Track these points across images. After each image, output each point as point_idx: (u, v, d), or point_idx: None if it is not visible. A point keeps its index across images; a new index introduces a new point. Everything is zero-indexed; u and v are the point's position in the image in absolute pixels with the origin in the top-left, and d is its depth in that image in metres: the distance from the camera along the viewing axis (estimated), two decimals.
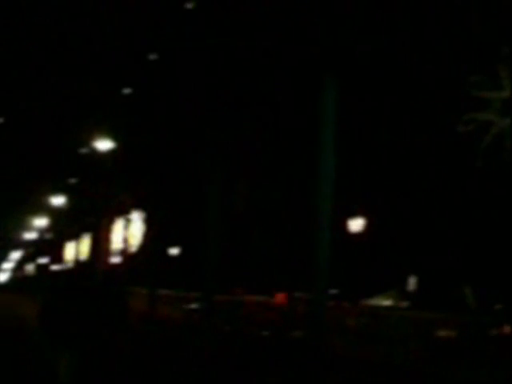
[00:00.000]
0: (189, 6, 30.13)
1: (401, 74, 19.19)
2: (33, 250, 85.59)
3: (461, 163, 21.90)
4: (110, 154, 31.95)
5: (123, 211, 40.92)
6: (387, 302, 31.33)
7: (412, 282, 31.06)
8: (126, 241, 41.83)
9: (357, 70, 16.96)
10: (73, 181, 50.65)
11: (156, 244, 34.95)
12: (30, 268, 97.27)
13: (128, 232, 42.80)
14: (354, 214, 26.30)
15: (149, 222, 42.90)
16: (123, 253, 41.86)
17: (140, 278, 37.31)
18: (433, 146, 22.74)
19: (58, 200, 46.56)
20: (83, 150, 45.04)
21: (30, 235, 74.13)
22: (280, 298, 27.74)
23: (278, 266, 34.15)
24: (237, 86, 23.66)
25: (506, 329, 16.44)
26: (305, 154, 22.03)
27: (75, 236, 54.85)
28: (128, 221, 40.91)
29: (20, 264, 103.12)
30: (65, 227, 58.93)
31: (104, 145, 26.55)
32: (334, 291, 37.32)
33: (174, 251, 40.58)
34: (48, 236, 72.01)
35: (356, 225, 25.42)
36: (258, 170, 29.44)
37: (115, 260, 43.18)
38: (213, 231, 25.58)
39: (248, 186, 30.23)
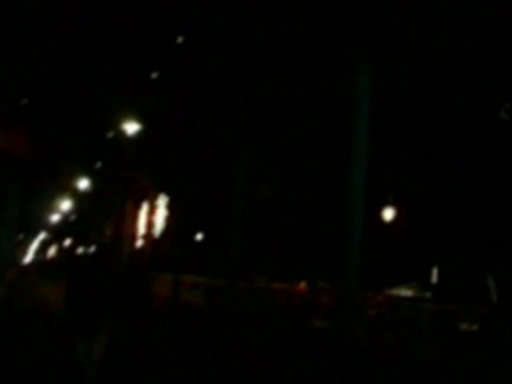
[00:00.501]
0: None
1: (439, 58, 18.55)
2: (56, 233, 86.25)
3: (502, 152, 21.35)
4: (136, 137, 31.80)
5: (147, 196, 40.88)
6: (410, 293, 31.12)
7: (435, 274, 30.87)
8: (150, 225, 41.84)
9: (393, 54, 16.43)
10: (98, 165, 50.72)
11: (180, 229, 34.82)
12: (52, 251, 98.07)
13: (152, 217, 42.81)
14: (385, 204, 25.90)
15: (172, 208, 42.89)
16: (147, 237, 41.85)
17: (165, 264, 37.28)
18: (473, 133, 22.17)
19: (83, 183, 46.60)
20: (109, 134, 45.07)
21: (54, 218, 74.58)
22: (301, 286, 27.71)
23: (301, 255, 33.94)
24: (267, 71, 23.27)
25: None
26: (336, 142, 21.70)
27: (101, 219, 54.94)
28: (152, 206, 40.86)
29: (44, 246, 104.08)
30: (89, 210, 59.14)
31: (131, 127, 26.30)
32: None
33: (198, 237, 40.44)
34: (72, 219, 72.41)
35: (389, 214, 25.00)
36: (287, 157, 29.10)
37: (140, 244, 43.22)
38: (238, 218, 25.36)
39: (276, 173, 29.91)
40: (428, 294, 31.07)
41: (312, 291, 26.25)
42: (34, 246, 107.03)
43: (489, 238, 27.49)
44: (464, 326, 17.24)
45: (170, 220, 39.75)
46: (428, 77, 20.58)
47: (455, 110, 22.17)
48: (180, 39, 38.15)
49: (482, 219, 27.35)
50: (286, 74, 22.75)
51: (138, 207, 42.52)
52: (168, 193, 39.73)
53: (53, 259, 79.51)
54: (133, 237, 42.62)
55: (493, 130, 20.72)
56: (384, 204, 26.21)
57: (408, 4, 15.89)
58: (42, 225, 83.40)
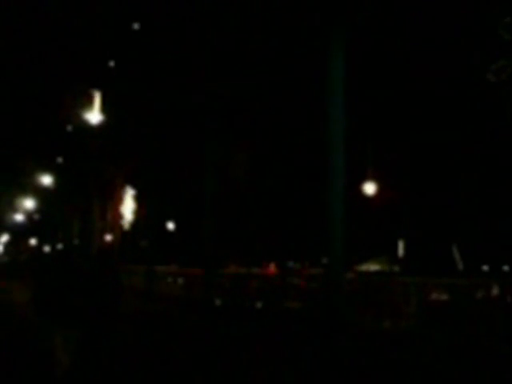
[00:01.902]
0: None
1: (420, 17, 18.01)
2: (21, 233, 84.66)
3: (490, 118, 21.05)
4: (98, 127, 30.91)
5: (114, 187, 40.01)
6: (378, 267, 31.25)
7: (401, 247, 31.12)
8: (118, 218, 41.02)
9: (366, 20, 15.88)
10: (60, 160, 49.54)
11: (150, 220, 34.10)
12: (17, 252, 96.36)
13: (120, 209, 42.03)
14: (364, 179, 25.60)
15: (140, 198, 42.11)
16: (116, 230, 41.05)
17: (137, 255, 36.62)
18: (456, 101, 21.81)
19: (46, 179, 45.44)
20: (69, 128, 43.95)
21: (18, 217, 73.03)
22: (271, 268, 27.58)
23: (271, 237, 33.68)
24: (235, 50, 22.62)
25: (495, 291, 16.14)
26: (312, 121, 21.20)
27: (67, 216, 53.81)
28: (120, 197, 40.01)
29: (8, 248, 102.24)
30: (54, 207, 57.89)
31: (94, 118, 25.44)
32: (325, 260, 37.21)
33: (170, 226, 39.76)
34: (36, 217, 70.93)
35: (371, 189, 24.73)
36: (260, 136, 28.52)
37: (109, 238, 42.39)
38: (210, 202, 24.80)
39: (248, 157, 29.34)
40: (396, 268, 31.30)
41: (282, 273, 26.19)
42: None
43: (451, 209, 27.63)
44: (434, 297, 17.25)
45: (140, 211, 39.01)
46: (407, 36, 20.09)
47: (436, 77, 21.81)
48: (136, 25, 37.23)
49: (446, 190, 27.42)
50: (256, 54, 22.18)
51: (104, 200, 41.58)
52: (135, 183, 38.89)
53: (19, 259, 78.02)
54: (101, 230, 41.73)
55: (479, 95, 20.40)
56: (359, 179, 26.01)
57: None
58: (5, 225, 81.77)
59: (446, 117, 23.63)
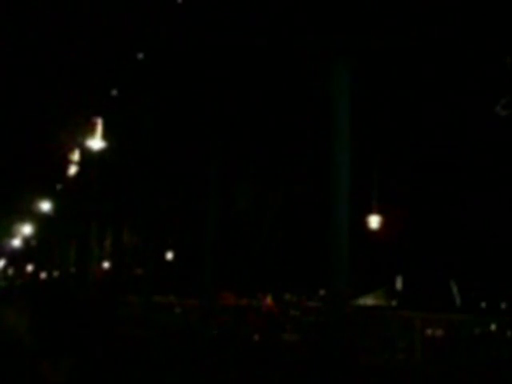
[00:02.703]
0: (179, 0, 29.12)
1: (428, 51, 17.95)
2: (17, 258, 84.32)
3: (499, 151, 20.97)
4: (99, 155, 30.88)
5: (112, 218, 39.80)
6: (375, 302, 31.05)
7: (400, 281, 30.96)
8: (115, 247, 40.73)
9: (374, 51, 15.83)
10: (59, 187, 49.49)
11: (148, 249, 33.84)
12: (14, 277, 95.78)
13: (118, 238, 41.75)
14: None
15: (137, 228, 41.86)
16: (113, 260, 40.77)
17: (134, 285, 36.28)
18: (465, 133, 21.76)
19: (45, 206, 45.36)
20: (70, 155, 43.93)
21: (15, 242, 72.79)
22: (268, 301, 27.40)
23: (269, 268, 33.45)
24: (235, 77, 22.64)
25: (492, 327, 16.26)
26: (316, 150, 21.14)
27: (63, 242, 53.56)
28: (119, 227, 39.79)
29: (4, 273, 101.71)
30: (52, 234, 57.68)
31: (96, 145, 25.38)
32: (323, 292, 36.88)
33: (169, 256, 39.50)
34: (33, 243, 70.68)
35: (375, 222, 24.67)
36: (263, 167, 28.44)
37: (105, 267, 42.10)
38: (212, 235, 24.65)
39: (249, 186, 29.24)
40: (394, 302, 31.12)
41: (279, 305, 26.01)
42: None
43: (451, 244, 27.58)
44: (430, 332, 17.26)
45: (139, 240, 38.73)
46: (415, 72, 20.05)
47: (445, 107, 21.76)
48: (140, 55, 37.37)
49: (446, 226, 27.37)
50: (258, 79, 22.17)
51: (103, 227, 41.37)
52: (135, 216, 38.61)
53: (15, 285, 77.45)
54: (99, 260, 41.44)
55: (488, 129, 20.34)
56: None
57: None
58: (4, 251, 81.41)
59: (449, 156, 23.66)
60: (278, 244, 31.97)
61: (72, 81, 36.48)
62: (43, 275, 68.70)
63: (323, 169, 14.83)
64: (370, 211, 26.65)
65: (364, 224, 27.79)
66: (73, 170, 43.71)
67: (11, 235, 69.16)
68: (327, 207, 14.83)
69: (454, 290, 29.65)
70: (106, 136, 28.33)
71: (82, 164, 37.13)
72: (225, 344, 23.40)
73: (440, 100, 21.16)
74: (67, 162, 44.64)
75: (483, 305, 30.37)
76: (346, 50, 14.23)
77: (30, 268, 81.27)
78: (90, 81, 36.15)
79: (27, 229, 61.57)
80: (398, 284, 31.35)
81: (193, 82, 25.32)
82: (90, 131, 27.09)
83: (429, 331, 17.41)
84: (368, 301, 31.15)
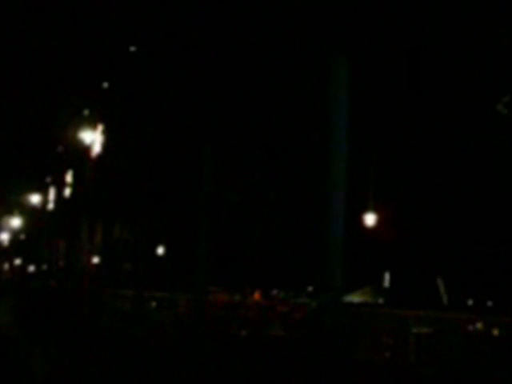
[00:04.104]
0: None
1: (428, 47, 17.87)
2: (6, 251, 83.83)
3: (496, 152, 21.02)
4: (90, 150, 30.69)
5: (103, 212, 39.66)
6: (363, 299, 31.11)
7: (387, 279, 31.07)
8: (106, 242, 40.60)
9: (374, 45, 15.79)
10: (49, 179, 49.18)
11: (139, 244, 33.78)
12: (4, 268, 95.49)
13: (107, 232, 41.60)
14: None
15: (128, 223, 41.69)
16: (103, 255, 40.65)
17: (125, 280, 36.22)
18: (465, 132, 21.73)
19: (35, 198, 45.07)
20: (60, 148, 43.71)
21: (3, 236, 72.34)
22: (256, 296, 27.47)
23: (255, 264, 33.42)
24: (233, 70, 22.54)
25: (479, 326, 16.28)
26: (312, 145, 21.03)
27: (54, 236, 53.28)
28: (109, 222, 39.63)
29: None
30: (41, 227, 57.35)
31: (88, 137, 25.09)
32: (310, 288, 36.90)
33: (160, 251, 39.40)
34: (22, 237, 70.28)
35: (371, 219, 24.69)
36: (257, 160, 28.39)
37: (95, 261, 41.92)
38: (204, 229, 24.60)
39: (242, 183, 29.19)
40: (380, 300, 31.19)
41: (267, 300, 26.07)
42: None
43: (439, 242, 27.66)
44: (416, 330, 17.18)
45: (130, 235, 38.60)
46: (415, 69, 20.01)
47: (442, 106, 21.78)
48: (132, 48, 37.14)
49: (434, 223, 27.45)
50: (254, 72, 22.09)
51: (93, 221, 41.16)
52: (126, 212, 38.46)
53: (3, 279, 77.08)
54: (89, 253, 41.24)
55: (483, 128, 20.39)
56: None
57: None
58: None
59: (444, 158, 23.75)
60: (269, 240, 31.94)
61: (62, 73, 36.29)
62: (31, 269, 68.40)
63: (318, 165, 14.82)
64: (362, 208, 26.69)
65: (353, 221, 27.85)
66: (63, 163, 43.46)
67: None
68: (320, 203, 14.84)
69: (441, 287, 29.79)
70: (98, 130, 28.16)
71: (72, 159, 36.94)
72: (214, 339, 23.40)
73: (437, 98, 21.18)
74: (57, 155, 44.40)
75: (470, 303, 30.56)
76: (344, 49, 14.21)
77: (18, 262, 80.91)
78: (80, 73, 35.98)
79: (16, 222, 61.19)
80: (386, 281, 31.44)
81: (185, 80, 25.28)
82: (82, 124, 26.90)
83: (416, 329, 17.44)
84: (355, 298, 31.21)
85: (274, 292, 33.48)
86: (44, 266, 59.09)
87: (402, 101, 22.29)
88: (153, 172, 31.55)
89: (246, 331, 23.63)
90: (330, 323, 14.44)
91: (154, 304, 32.59)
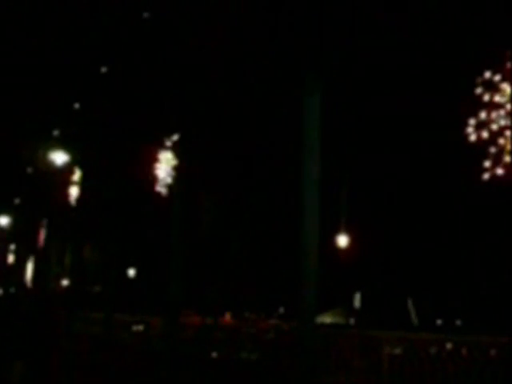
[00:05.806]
0: (145, 15, 29.07)
1: (398, 66, 18.02)
2: None
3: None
4: (59, 170, 30.32)
5: (74, 234, 39.16)
6: (334, 320, 31.05)
7: (358, 299, 31.11)
8: (75, 264, 40.05)
9: (345, 69, 15.93)
10: (17, 201, 48.46)
11: (110, 266, 33.37)
12: None
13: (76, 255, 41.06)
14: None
15: (98, 244, 41.27)
16: (72, 277, 40.06)
17: (96, 302, 35.68)
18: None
19: (3, 220, 44.31)
20: (29, 169, 43.16)
21: None
22: (227, 318, 27.33)
23: (226, 286, 33.34)
24: (204, 91, 22.55)
25: (448, 346, 16.30)
26: (284, 168, 21.15)
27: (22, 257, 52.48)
28: (80, 244, 39.17)
29: None
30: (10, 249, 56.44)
31: (59, 158, 24.77)
32: (282, 310, 36.83)
33: (131, 273, 39.01)
34: None
35: (343, 241, 24.76)
36: (227, 187, 28.38)
37: (64, 283, 41.35)
38: (176, 251, 24.43)
39: (214, 202, 29.10)
40: (351, 320, 31.17)
41: (238, 322, 25.92)
42: None
43: (409, 262, 27.87)
44: (388, 351, 17.20)
45: (100, 257, 38.17)
46: (383, 90, 20.21)
47: (415, 125, 22.00)
48: (104, 69, 37.01)
49: (405, 246, 27.68)
50: (227, 96, 22.13)
51: (63, 242, 40.67)
52: (98, 232, 38.02)
53: None
54: (57, 276, 40.67)
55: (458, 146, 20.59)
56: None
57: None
58: None
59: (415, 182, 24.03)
60: (241, 263, 31.90)
61: (35, 91, 35.97)
62: None
63: (292, 189, 14.83)
64: (335, 229, 26.79)
65: (325, 242, 27.90)
66: (31, 184, 42.92)
67: None
68: (291, 225, 14.84)
69: (411, 308, 29.97)
70: (65, 148, 27.88)
71: (40, 178, 36.52)
72: (185, 363, 23.17)
73: (411, 117, 21.39)
74: (26, 176, 43.85)
75: (439, 322, 30.75)
76: (316, 66, 14.27)
77: None
78: (53, 93, 35.70)
79: None
80: (357, 302, 31.44)
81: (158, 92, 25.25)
82: (53, 145, 26.58)
83: (388, 349, 17.43)
84: (326, 319, 31.10)
85: (246, 314, 33.30)
86: (12, 289, 58.02)
87: (374, 124, 22.51)
88: (123, 191, 31.32)
89: (217, 353, 23.44)
90: (302, 345, 14.35)
91: (125, 326, 32.18)
